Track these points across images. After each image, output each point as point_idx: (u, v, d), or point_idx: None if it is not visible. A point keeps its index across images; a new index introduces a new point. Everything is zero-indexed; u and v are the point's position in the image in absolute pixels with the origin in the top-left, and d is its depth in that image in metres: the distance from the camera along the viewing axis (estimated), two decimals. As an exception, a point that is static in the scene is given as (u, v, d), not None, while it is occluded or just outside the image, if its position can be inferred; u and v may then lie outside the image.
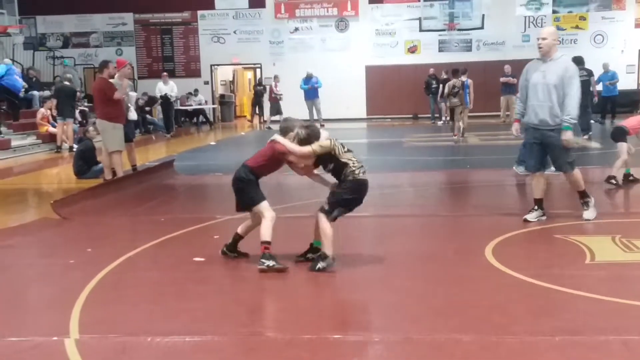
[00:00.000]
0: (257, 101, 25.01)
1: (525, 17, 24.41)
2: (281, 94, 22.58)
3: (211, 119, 25.09)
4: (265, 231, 5.11)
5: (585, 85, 12.79)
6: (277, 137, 5.27)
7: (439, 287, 4.86)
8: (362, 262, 5.31)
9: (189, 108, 24.47)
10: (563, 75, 6.46)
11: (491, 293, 4.71)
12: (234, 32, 25.53)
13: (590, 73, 15.35)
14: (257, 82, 25.58)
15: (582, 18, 24.40)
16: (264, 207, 5.20)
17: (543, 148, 6.73)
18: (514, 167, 9.89)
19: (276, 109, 22.54)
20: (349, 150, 5.27)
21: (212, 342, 3.89)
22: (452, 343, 3.77)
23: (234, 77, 29.67)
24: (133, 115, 12.94)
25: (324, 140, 5.25)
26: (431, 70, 22.70)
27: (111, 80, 10.31)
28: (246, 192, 5.23)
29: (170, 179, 10.72)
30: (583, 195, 6.82)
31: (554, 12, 24.50)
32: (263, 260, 5.08)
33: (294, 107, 23.68)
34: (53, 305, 4.68)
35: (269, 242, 5.10)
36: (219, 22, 25.58)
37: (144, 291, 4.91)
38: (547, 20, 24.32)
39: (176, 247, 6.31)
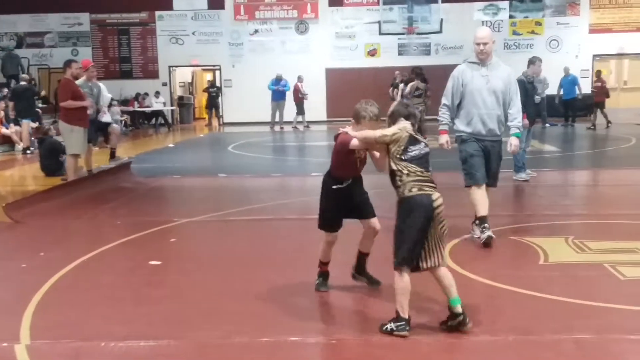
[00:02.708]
0: (212, 103, 24.87)
1: (483, 21, 24.72)
2: (307, 94, 22.78)
3: (170, 121, 24.86)
4: (320, 251, 4.79)
5: None
6: (347, 128, 4.44)
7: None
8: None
9: (146, 110, 24.20)
10: (508, 81, 6.06)
11: (448, 294, 4.76)
12: (193, 33, 25.30)
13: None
14: (210, 84, 25.42)
15: (538, 23, 24.86)
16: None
17: (484, 159, 6.17)
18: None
19: (300, 109, 22.75)
20: (413, 160, 3.91)
21: (168, 346, 3.84)
22: (410, 343, 3.80)
23: (192, 79, 29.43)
24: (107, 117, 12.68)
25: (394, 128, 4.01)
26: (397, 72, 22.88)
27: (76, 81, 10.15)
28: (320, 200, 4.63)
29: (127, 181, 10.56)
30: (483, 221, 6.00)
31: (510, 17, 24.90)
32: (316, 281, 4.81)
33: (255, 111, 23.74)
34: (3, 310, 4.56)
35: (321, 262, 4.80)
36: (177, 23, 25.32)
37: (98, 295, 4.82)
38: (504, 25, 24.72)
39: (132, 251, 6.23)
